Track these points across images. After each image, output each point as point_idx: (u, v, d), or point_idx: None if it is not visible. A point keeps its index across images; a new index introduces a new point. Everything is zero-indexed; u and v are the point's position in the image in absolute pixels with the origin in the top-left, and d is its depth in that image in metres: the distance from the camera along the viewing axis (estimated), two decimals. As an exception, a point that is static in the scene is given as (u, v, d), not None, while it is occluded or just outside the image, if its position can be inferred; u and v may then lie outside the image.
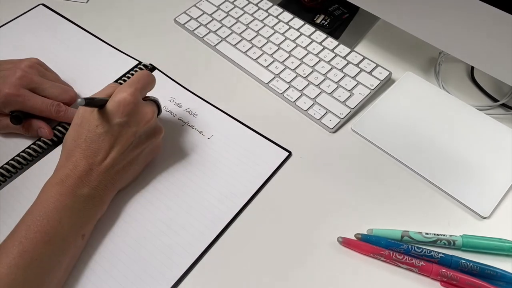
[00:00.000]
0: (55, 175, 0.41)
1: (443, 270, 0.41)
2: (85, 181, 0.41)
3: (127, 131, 0.42)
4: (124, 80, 0.56)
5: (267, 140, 0.51)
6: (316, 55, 0.58)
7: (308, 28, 0.61)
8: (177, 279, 0.42)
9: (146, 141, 0.45)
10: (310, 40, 0.60)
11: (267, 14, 0.63)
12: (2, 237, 0.38)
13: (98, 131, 0.41)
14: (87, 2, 0.67)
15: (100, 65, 0.58)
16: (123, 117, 0.41)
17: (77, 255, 0.42)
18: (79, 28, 0.63)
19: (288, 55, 0.59)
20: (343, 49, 0.59)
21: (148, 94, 0.47)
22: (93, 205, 0.42)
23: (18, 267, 0.36)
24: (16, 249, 0.37)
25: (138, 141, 0.44)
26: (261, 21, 0.63)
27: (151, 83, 0.46)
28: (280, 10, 0.64)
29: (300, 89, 0.55)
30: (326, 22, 0.65)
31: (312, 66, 0.57)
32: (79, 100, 0.38)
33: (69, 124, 0.51)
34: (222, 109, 0.54)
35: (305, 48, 0.59)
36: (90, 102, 0.40)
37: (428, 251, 0.42)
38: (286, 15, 0.63)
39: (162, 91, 0.56)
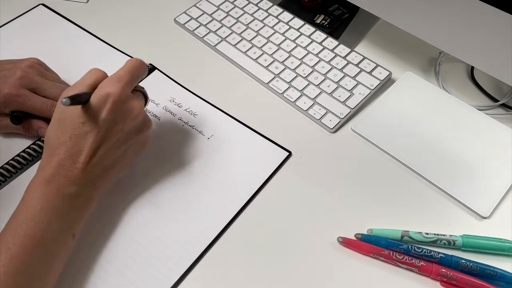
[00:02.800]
0: (39, 174, 0.39)
1: (443, 270, 0.41)
2: (71, 180, 0.39)
3: (113, 128, 0.40)
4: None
5: (267, 140, 0.52)
6: (316, 55, 0.58)
7: (308, 28, 0.61)
8: (176, 279, 0.42)
9: (134, 136, 0.43)
10: (310, 40, 0.60)
11: (267, 14, 0.63)
12: (2, 237, 0.39)
13: (84, 129, 0.39)
14: (87, 2, 0.67)
15: (100, 65, 0.57)
16: (109, 114, 0.39)
17: (67, 256, 0.40)
18: (79, 28, 0.63)
19: (288, 55, 0.59)
20: (343, 49, 0.59)
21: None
22: (81, 204, 0.40)
23: (8, 274, 0.34)
24: (4, 256, 0.35)
25: (125, 137, 0.42)
26: (261, 21, 0.63)
27: (142, 73, 0.43)
28: (280, 10, 0.64)
29: (300, 89, 0.55)
30: (326, 22, 0.65)
31: (312, 66, 0.57)
32: (64, 100, 0.36)
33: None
34: (222, 109, 0.54)
35: (305, 48, 0.59)
36: (75, 100, 0.38)
37: (428, 251, 0.42)
38: (286, 15, 0.63)
39: (162, 91, 0.56)
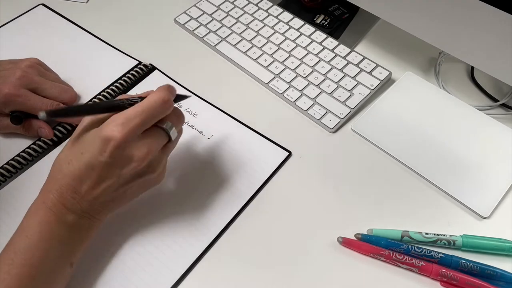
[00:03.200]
0: (40, 197, 0.38)
1: (443, 270, 0.41)
2: (70, 209, 0.37)
3: (110, 171, 0.37)
4: (125, 81, 0.56)
5: (267, 140, 0.51)
6: (316, 55, 0.58)
7: (308, 28, 0.61)
8: (176, 279, 0.42)
9: (132, 181, 0.39)
10: (310, 40, 0.60)
11: (267, 14, 0.63)
12: (2, 236, 0.38)
13: (84, 160, 0.37)
14: (87, 2, 0.67)
15: (100, 65, 0.58)
16: (107, 158, 0.36)
17: (65, 285, 0.39)
18: (79, 28, 0.63)
19: (288, 55, 0.59)
20: (343, 49, 0.59)
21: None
22: (80, 233, 0.39)
23: None
24: None
25: (123, 181, 0.38)
26: (261, 21, 0.63)
27: (162, 113, 0.38)
28: (280, 10, 0.64)
29: (300, 89, 0.55)
30: (326, 22, 0.65)
31: (312, 66, 0.57)
32: (41, 113, 0.35)
33: (69, 124, 0.51)
34: (222, 109, 0.54)
35: (305, 48, 0.59)
36: (54, 113, 0.37)
37: (428, 251, 0.42)
38: (286, 15, 0.63)
39: (162, 91, 0.56)
